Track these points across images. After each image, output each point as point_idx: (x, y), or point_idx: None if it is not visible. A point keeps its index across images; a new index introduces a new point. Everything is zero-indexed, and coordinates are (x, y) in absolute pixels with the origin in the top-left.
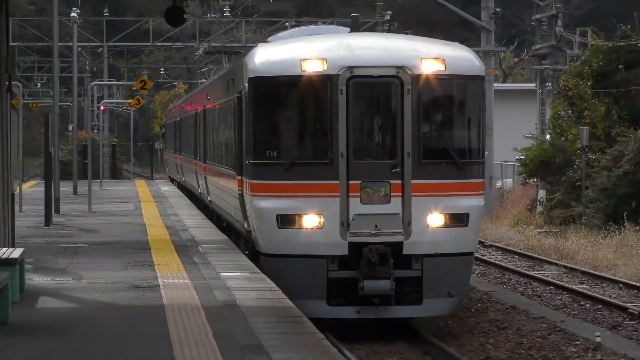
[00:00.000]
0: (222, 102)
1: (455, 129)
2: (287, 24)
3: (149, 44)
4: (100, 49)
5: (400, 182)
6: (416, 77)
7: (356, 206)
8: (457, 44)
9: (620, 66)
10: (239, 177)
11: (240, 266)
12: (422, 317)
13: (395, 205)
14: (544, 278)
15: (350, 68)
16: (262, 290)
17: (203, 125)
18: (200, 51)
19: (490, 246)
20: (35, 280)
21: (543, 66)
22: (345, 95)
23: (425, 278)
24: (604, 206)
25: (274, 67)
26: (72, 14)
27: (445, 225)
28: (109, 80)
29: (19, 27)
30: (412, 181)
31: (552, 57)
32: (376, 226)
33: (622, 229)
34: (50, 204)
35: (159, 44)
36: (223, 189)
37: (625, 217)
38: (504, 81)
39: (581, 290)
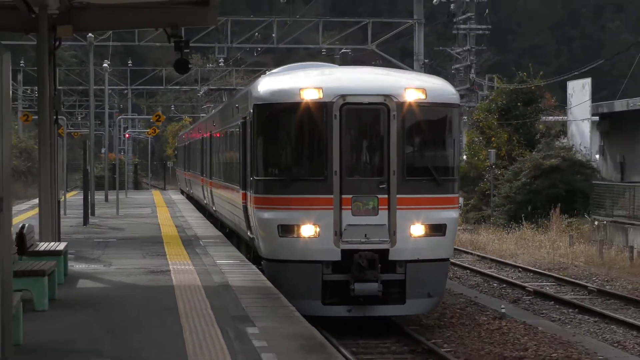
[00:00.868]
0: (226, 127)
1: (434, 150)
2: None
3: (162, 87)
4: (126, 90)
5: (386, 196)
6: (401, 105)
7: (348, 217)
8: (435, 76)
9: (519, 104)
10: (243, 191)
11: (232, 256)
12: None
13: (382, 217)
14: (462, 264)
15: (343, 96)
16: (248, 274)
17: (209, 148)
18: (201, 92)
19: None
20: (75, 266)
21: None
22: (339, 120)
23: (408, 281)
24: (507, 209)
25: (276, 95)
26: (104, 64)
27: (426, 235)
28: (132, 115)
29: (64, 74)
30: (397, 196)
31: (467, 97)
32: (365, 235)
33: (520, 227)
34: (87, 208)
35: (170, 87)
36: (227, 200)
37: (523, 218)
38: None
39: (490, 273)
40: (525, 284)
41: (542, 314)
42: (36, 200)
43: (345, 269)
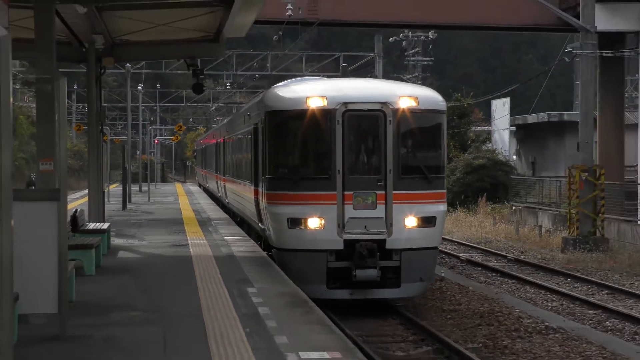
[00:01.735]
0: (237, 132)
1: (425, 151)
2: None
3: (182, 104)
4: (155, 107)
5: (383, 192)
6: (396, 111)
7: (350, 211)
8: (425, 87)
9: (455, 117)
10: (255, 188)
11: (236, 233)
12: (399, 297)
13: (380, 211)
14: None
15: (345, 104)
16: (248, 247)
17: (223, 150)
18: (212, 108)
19: None
20: (116, 241)
21: None
22: (341, 125)
23: (403, 267)
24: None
25: (285, 103)
26: (139, 87)
27: (418, 226)
28: (159, 125)
29: (107, 94)
30: (393, 192)
31: None
32: (365, 227)
33: (456, 211)
34: (125, 197)
35: (188, 104)
36: (239, 194)
37: (458, 204)
38: None
39: None
40: (459, 254)
41: (472, 277)
42: (86, 191)
43: (347, 257)
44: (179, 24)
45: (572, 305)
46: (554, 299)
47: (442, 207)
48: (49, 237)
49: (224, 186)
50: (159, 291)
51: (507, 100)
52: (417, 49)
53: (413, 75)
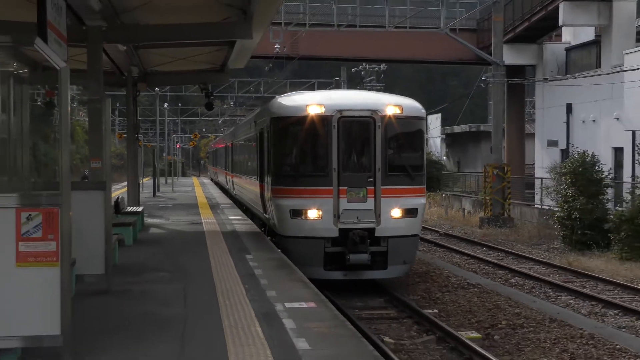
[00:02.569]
0: (244, 137)
1: (408, 152)
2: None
3: (197, 118)
4: (177, 120)
5: (373, 187)
6: (383, 117)
7: (344, 204)
8: (408, 97)
9: None
10: (261, 183)
11: (237, 214)
12: (386, 278)
13: (370, 203)
14: None
15: (340, 111)
16: (247, 225)
17: (231, 152)
18: (220, 121)
19: None
20: (148, 220)
21: None
22: (337, 129)
23: (389, 252)
24: None
25: (288, 110)
26: (165, 105)
27: (402, 217)
28: (180, 134)
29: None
30: (381, 187)
31: None
32: (357, 217)
33: None
34: (155, 187)
35: (202, 118)
36: (244, 187)
37: None
38: None
39: None
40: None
41: None
42: (125, 183)
43: (341, 243)
44: (195, 58)
45: (486, 267)
46: (473, 262)
47: (423, 200)
48: (98, 217)
49: (232, 180)
50: (180, 257)
51: (439, 115)
52: (372, 77)
53: None
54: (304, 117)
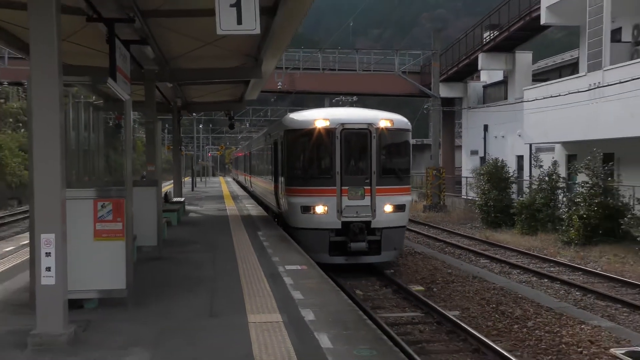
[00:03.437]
0: (260, 146)
1: (398, 157)
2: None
3: (223, 134)
4: (208, 136)
5: (369, 187)
6: (378, 129)
7: (345, 201)
8: (397, 114)
9: None
10: (275, 184)
11: (252, 203)
12: (380, 262)
13: (367, 200)
14: None
15: (342, 124)
16: (259, 211)
17: (250, 158)
18: (239, 137)
19: None
20: (188, 207)
21: None
22: (339, 139)
23: (382, 240)
24: None
25: (299, 124)
26: (200, 125)
27: (393, 211)
28: (211, 146)
29: (184, 129)
30: (376, 187)
31: None
32: (357, 212)
33: None
34: (193, 184)
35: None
36: (259, 185)
37: None
38: None
39: None
40: None
41: None
42: (172, 181)
43: (343, 233)
44: (221, 92)
45: (428, 240)
46: (418, 237)
47: (409, 197)
48: (153, 205)
49: (250, 180)
50: (210, 234)
51: None
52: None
53: None
54: (313, 129)
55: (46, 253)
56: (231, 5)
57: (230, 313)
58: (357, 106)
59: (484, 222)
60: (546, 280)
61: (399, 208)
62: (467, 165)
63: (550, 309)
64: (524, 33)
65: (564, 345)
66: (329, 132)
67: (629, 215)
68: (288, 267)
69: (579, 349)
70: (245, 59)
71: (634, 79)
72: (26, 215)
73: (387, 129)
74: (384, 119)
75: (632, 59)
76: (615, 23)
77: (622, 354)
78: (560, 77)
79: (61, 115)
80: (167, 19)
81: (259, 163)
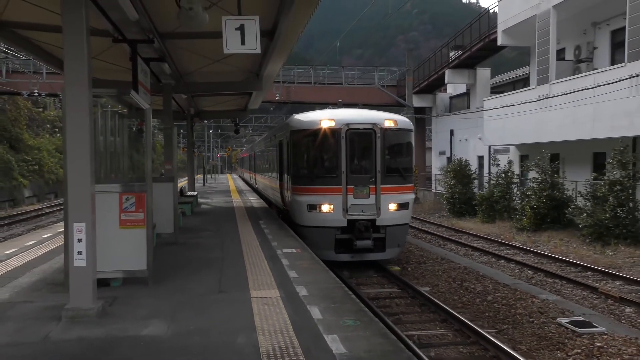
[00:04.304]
0: (265, 147)
1: (401, 157)
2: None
3: (230, 138)
4: (217, 140)
5: (374, 186)
6: (382, 129)
7: (351, 200)
8: (400, 115)
9: None
10: (280, 182)
11: (255, 197)
12: (384, 259)
13: (372, 199)
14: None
15: (348, 124)
16: (260, 203)
17: (254, 158)
18: (244, 140)
19: None
20: (200, 200)
21: None
22: (345, 139)
23: (387, 238)
24: None
25: (305, 124)
26: (210, 130)
27: (397, 209)
28: (219, 148)
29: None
30: (381, 185)
31: None
32: (362, 210)
33: None
34: (204, 180)
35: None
36: (264, 182)
37: None
38: None
39: None
40: None
41: None
42: (186, 177)
43: (349, 231)
44: (228, 102)
45: None
46: None
47: (412, 195)
48: (170, 198)
49: (255, 178)
50: (219, 223)
51: None
52: None
53: None
54: (319, 130)
55: (78, 239)
56: (236, 29)
57: (236, 289)
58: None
59: (450, 212)
60: (503, 261)
61: (403, 206)
62: (436, 164)
63: (507, 285)
64: (483, 52)
65: (518, 316)
66: (334, 132)
67: (572, 206)
68: (285, 251)
69: (531, 319)
70: (248, 74)
71: (575, 91)
72: (61, 207)
73: (391, 129)
74: (388, 120)
75: (573, 75)
76: (560, 44)
77: (567, 322)
78: (514, 89)
79: (90, 121)
80: (181, 40)
81: (264, 162)
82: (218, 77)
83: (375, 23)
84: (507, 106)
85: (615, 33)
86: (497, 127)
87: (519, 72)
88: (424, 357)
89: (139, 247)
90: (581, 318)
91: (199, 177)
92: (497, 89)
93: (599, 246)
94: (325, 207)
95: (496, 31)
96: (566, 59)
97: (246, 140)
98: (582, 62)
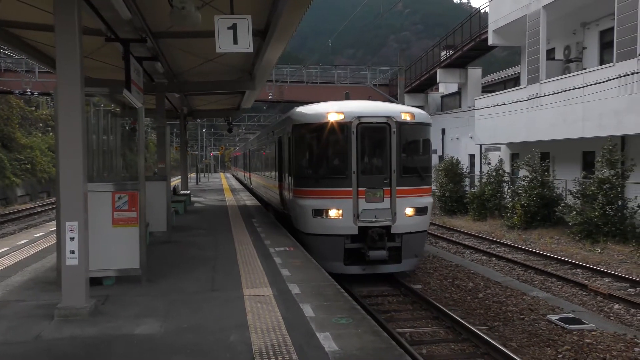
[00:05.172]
0: (262, 144)
1: (419, 155)
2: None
3: (223, 137)
4: (210, 139)
5: (389, 188)
6: (398, 123)
7: (363, 204)
8: (416, 108)
9: None
10: (280, 182)
11: (249, 196)
12: (400, 271)
13: (386, 203)
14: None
15: (359, 117)
16: (253, 201)
17: (249, 156)
18: (237, 139)
19: None
20: (193, 198)
21: None
22: (356, 135)
23: (403, 247)
24: None
25: (309, 118)
26: (203, 130)
27: (415, 214)
28: (213, 147)
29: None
30: (397, 188)
31: None
32: (375, 216)
33: None
34: (197, 178)
35: (226, 137)
36: (261, 183)
37: None
38: None
39: None
40: None
41: None
42: (179, 176)
43: (360, 240)
44: (221, 101)
45: None
46: None
47: (431, 199)
48: (163, 197)
49: (250, 177)
50: (212, 221)
51: None
52: None
53: None
54: (325, 124)
55: (70, 238)
56: (228, 28)
57: (229, 288)
58: None
59: (442, 210)
60: (494, 258)
61: (421, 211)
62: None
63: (497, 283)
64: (474, 52)
65: (508, 313)
66: (343, 126)
67: (561, 204)
68: (277, 249)
69: (521, 316)
70: (241, 74)
71: (564, 91)
72: (54, 205)
73: (408, 123)
74: (405, 112)
75: (563, 74)
76: (550, 44)
77: (556, 319)
78: (504, 88)
79: (83, 120)
80: (174, 39)
81: (260, 161)
82: (211, 76)
83: (367, 23)
84: (498, 105)
85: (603, 33)
86: (488, 126)
87: (510, 71)
88: (416, 354)
89: (131, 246)
90: (571, 315)
91: (192, 175)
92: (488, 88)
93: (588, 244)
94: (333, 213)
95: (487, 31)
96: (556, 58)
97: (239, 139)
98: (571, 61)
